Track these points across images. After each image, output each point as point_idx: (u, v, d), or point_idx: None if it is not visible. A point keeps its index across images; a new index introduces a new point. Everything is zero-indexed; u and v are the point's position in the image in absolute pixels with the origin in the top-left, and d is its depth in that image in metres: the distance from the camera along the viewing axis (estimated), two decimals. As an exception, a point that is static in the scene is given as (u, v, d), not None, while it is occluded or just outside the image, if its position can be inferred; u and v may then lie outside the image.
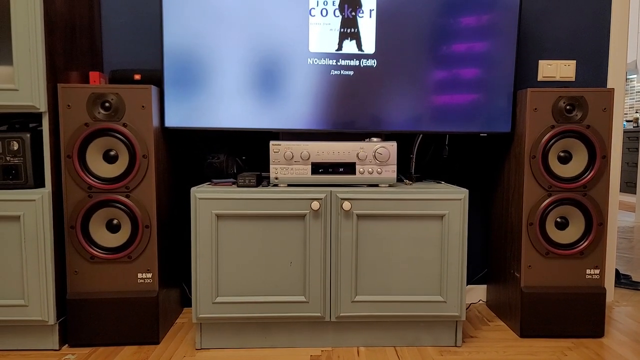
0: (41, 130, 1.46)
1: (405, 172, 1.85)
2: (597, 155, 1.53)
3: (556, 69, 1.87)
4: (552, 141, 1.53)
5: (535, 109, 1.53)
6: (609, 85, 1.88)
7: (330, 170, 1.50)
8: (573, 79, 1.88)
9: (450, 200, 1.46)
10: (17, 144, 1.42)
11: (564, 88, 1.53)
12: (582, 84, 1.88)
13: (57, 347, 1.47)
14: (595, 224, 1.55)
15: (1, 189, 1.42)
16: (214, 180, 1.59)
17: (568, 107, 1.53)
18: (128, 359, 1.41)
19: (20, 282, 1.42)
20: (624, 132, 4.82)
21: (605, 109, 1.53)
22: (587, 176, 1.54)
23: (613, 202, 1.89)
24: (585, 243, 1.56)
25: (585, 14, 1.86)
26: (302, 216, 1.45)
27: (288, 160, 1.48)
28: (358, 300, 1.48)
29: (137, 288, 1.49)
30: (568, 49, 1.87)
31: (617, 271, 2.22)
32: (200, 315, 1.45)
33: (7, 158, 1.42)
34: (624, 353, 1.48)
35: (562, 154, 1.55)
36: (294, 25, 1.55)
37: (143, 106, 1.45)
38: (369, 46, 1.58)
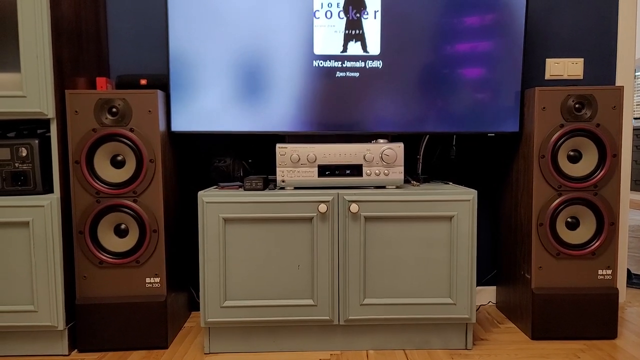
0: (49, 137, 1.46)
1: (413, 174, 1.84)
2: (608, 153, 1.51)
3: (564, 68, 1.85)
4: (562, 140, 1.51)
5: (544, 108, 1.51)
6: (618, 83, 1.86)
7: (337, 172, 1.49)
8: (581, 77, 1.86)
9: (459, 201, 1.45)
10: (25, 150, 1.43)
11: (572, 86, 1.51)
12: (590, 82, 1.86)
13: (66, 353, 1.47)
14: (607, 223, 1.53)
15: (10, 195, 1.43)
16: (221, 184, 1.59)
17: (577, 106, 1.51)
18: (137, 364, 1.41)
19: (29, 288, 1.43)
20: (633, 129, 4.77)
21: (614, 106, 1.51)
22: (597, 175, 1.52)
23: (624, 201, 1.87)
24: (597, 243, 1.54)
25: (593, 11, 1.84)
26: (310, 219, 1.44)
27: (294, 163, 1.48)
28: (367, 304, 1.46)
29: (146, 292, 1.49)
30: (575, 47, 1.85)
31: (628, 271, 2.19)
32: (209, 320, 1.45)
33: (16, 164, 1.43)
34: (637, 355, 1.45)
35: (571, 153, 1.53)
36: (299, 28, 1.55)
37: (150, 111, 1.45)
38: (374, 47, 1.57)
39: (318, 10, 1.55)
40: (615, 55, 1.85)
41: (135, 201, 1.46)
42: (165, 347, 1.52)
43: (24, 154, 1.43)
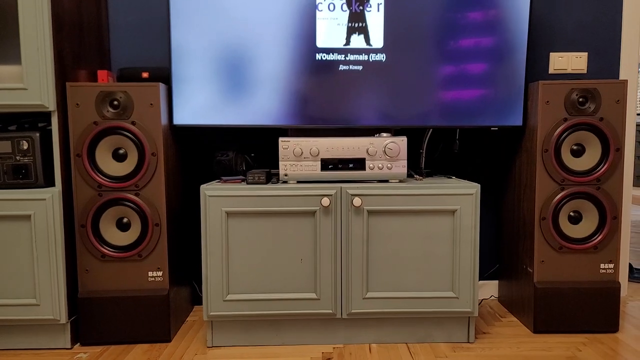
0: (50, 130, 1.46)
1: (416, 168, 1.83)
2: (611, 148, 1.51)
3: (567, 62, 1.84)
4: (565, 134, 1.51)
5: (547, 101, 1.51)
6: (622, 77, 1.85)
7: (340, 166, 1.48)
8: (585, 72, 1.85)
9: (462, 195, 1.44)
10: (26, 144, 1.42)
11: (576, 80, 1.51)
12: (594, 76, 1.85)
13: (69, 346, 1.47)
14: (609, 217, 1.53)
15: (12, 189, 1.42)
16: (223, 178, 1.58)
17: (581, 100, 1.50)
18: (140, 357, 1.41)
19: (31, 281, 1.43)
20: (636, 125, 4.76)
21: (618, 100, 1.51)
22: (600, 169, 1.52)
23: (626, 195, 1.87)
24: (600, 237, 1.54)
25: (597, 5, 1.83)
26: (312, 213, 1.44)
27: (297, 157, 1.47)
28: (369, 297, 1.46)
29: (148, 286, 1.49)
30: (579, 41, 1.84)
31: (630, 266, 2.19)
32: (211, 313, 1.45)
33: (17, 157, 1.42)
34: (639, 348, 1.46)
35: (575, 147, 1.53)
36: (301, 21, 1.54)
37: (151, 104, 1.44)
38: (377, 40, 1.56)
39: (321, 3, 1.54)
40: (619, 49, 1.85)
41: (137, 195, 1.46)
42: (168, 340, 1.52)
43: (25, 147, 1.42)
